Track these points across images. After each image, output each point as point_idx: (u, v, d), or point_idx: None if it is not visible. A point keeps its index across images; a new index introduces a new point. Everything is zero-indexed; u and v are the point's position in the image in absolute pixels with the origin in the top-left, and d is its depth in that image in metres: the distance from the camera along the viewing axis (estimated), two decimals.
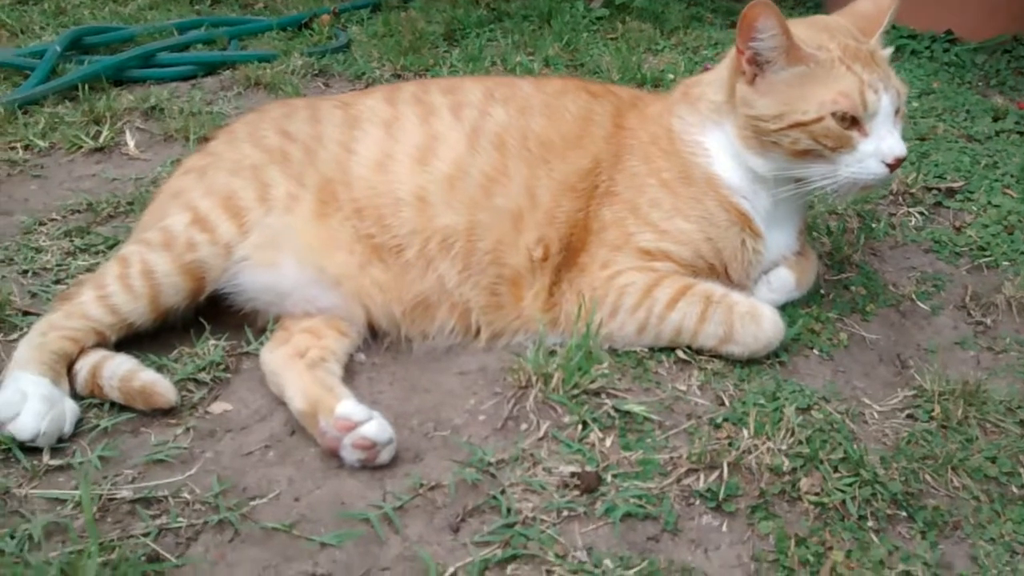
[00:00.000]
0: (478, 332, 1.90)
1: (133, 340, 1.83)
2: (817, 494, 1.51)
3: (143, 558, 1.38)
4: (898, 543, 1.46)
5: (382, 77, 3.56)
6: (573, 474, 1.53)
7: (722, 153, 1.90)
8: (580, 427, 1.64)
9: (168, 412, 1.69)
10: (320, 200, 1.89)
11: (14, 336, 1.88)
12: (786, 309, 1.96)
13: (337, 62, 3.68)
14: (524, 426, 1.67)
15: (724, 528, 1.47)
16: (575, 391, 1.71)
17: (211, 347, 1.86)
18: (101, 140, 2.85)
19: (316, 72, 3.61)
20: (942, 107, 3.24)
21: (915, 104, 3.26)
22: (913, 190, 2.61)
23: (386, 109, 2.01)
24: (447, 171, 1.90)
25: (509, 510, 1.47)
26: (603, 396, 1.72)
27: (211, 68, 3.59)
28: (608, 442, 1.62)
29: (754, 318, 1.79)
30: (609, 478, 1.53)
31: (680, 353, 1.84)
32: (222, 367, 1.82)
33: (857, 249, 2.27)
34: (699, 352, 1.84)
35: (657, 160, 1.93)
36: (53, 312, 1.80)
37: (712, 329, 1.80)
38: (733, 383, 1.78)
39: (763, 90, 1.80)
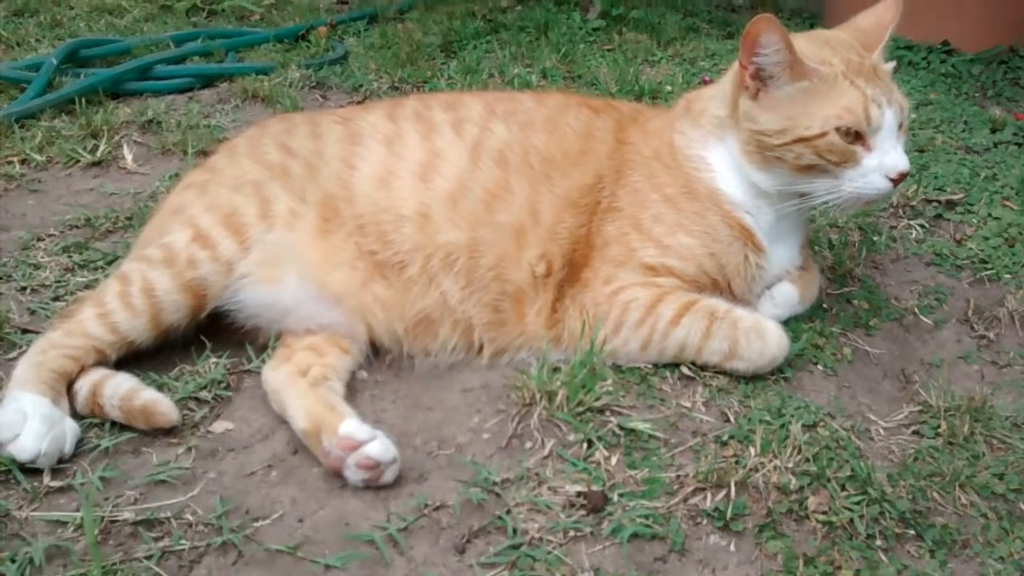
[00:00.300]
0: (481, 349, 1.89)
1: (133, 358, 1.82)
2: (825, 513, 1.50)
3: None
4: (907, 562, 1.45)
5: (380, 89, 3.56)
6: (579, 493, 1.52)
7: (725, 168, 1.90)
8: (585, 445, 1.63)
9: (170, 431, 1.68)
10: (322, 216, 1.89)
11: (13, 354, 1.87)
12: (789, 324, 1.95)
13: (334, 74, 3.68)
14: (529, 444, 1.66)
15: (732, 548, 1.46)
16: (579, 409, 1.70)
17: (212, 365, 1.85)
18: (99, 154, 2.84)
19: (313, 84, 3.60)
20: (940, 118, 3.24)
21: (913, 115, 3.26)
22: (913, 202, 2.61)
23: (388, 125, 2.00)
24: (449, 187, 1.90)
25: (515, 530, 1.46)
26: (607, 413, 1.71)
27: (208, 80, 3.58)
28: (613, 460, 1.61)
29: (759, 334, 1.78)
30: (615, 497, 1.52)
31: (684, 369, 1.83)
32: (223, 385, 1.81)
33: (859, 263, 2.27)
34: (703, 368, 1.83)
35: (660, 175, 1.93)
36: (53, 330, 1.78)
37: (716, 345, 1.79)
38: (738, 399, 1.77)
39: (766, 105, 1.80)
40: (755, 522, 1.49)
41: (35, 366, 1.70)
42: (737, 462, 1.58)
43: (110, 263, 2.22)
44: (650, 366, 1.85)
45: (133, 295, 1.79)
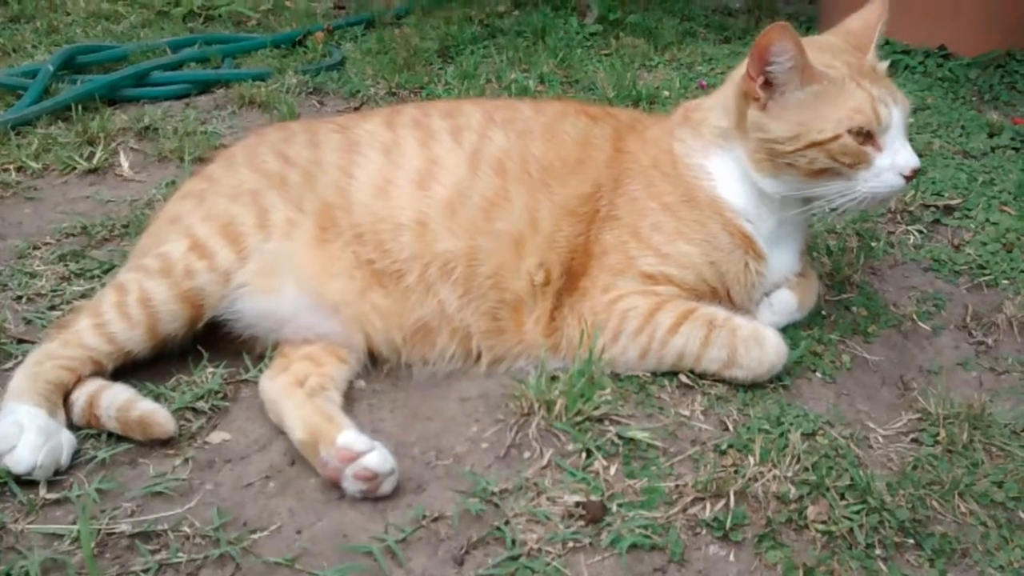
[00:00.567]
0: (479, 357, 1.89)
1: (130, 368, 1.81)
2: (824, 522, 1.49)
3: None
4: (907, 571, 1.44)
5: (377, 95, 3.55)
6: (578, 504, 1.52)
7: (726, 176, 1.90)
8: (584, 455, 1.63)
9: (167, 442, 1.67)
10: (319, 226, 1.88)
11: (9, 365, 1.86)
12: (788, 331, 1.95)
13: (331, 80, 3.68)
14: (527, 454, 1.65)
15: (731, 558, 1.45)
16: (578, 418, 1.70)
17: (209, 375, 1.84)
18: (95, 161, 2.83)
19: (310, 90, 3.60)
20: (937, 123, 3.24)
21: (910, 120, 3.25)
22: (911, 208, 2.61)
23: (385, 133, 2.00)
24: (447, 196, 1.89)
25: (514, 541, 1.45)
26: (606, 423, 1.70)
27: (205, 86, 3.58)
28: (612, 470, 1.61)
29: (758, 342, 1.78)
30: (614, 507, 1.52)
31: (683, 377, 1.83)
32: (220, 395, 1.80)
33: (857, 269, 2.27)
34: (702, 376, 1.83)
35: (658, 184, 1.92)
36: (49, 341, 1.78)
37: (715, 353, 1.78)
38: (737, 408, 1.76)
39: (775, 113, 1.80)
40: (754, 532, 1.49)
41: (31, 377, 1.69)
42: (736, 471, 1.58)
43: (106, 272, 2.21)
44: (648, 374, 1.84)
45: (130, 305, 1.78)
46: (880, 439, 1.73)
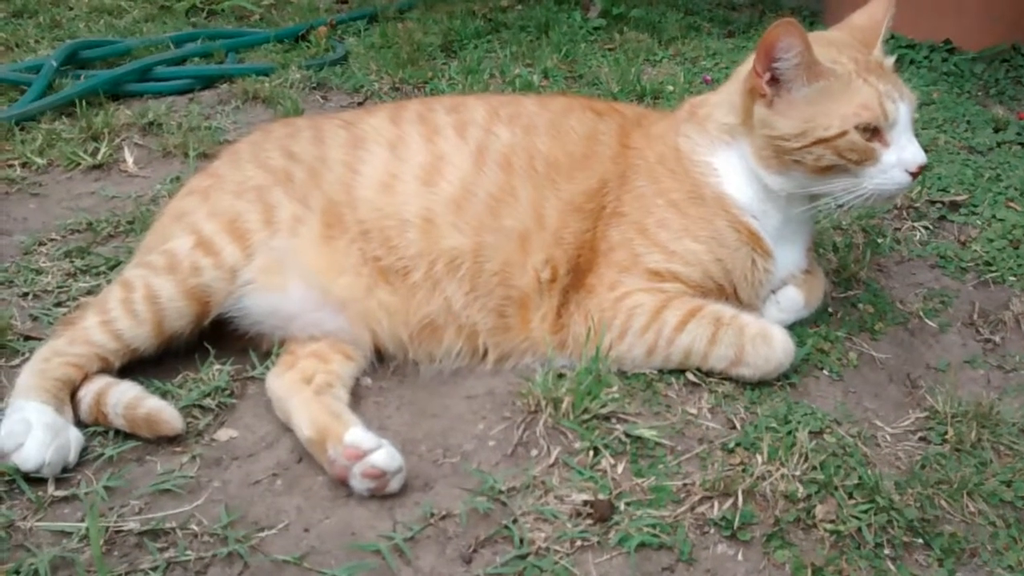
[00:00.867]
0: (485, 354, 1.89)
1: (137, 365, 1.81)
2: (833, 521, 1.49)
3: None
4: (916, 571, 1.44)
5: (380, 90, 3.54)
6: (586, 502, 1.52)
7: (732, 173, 1.89)
8: (591, 453, 1.63)
9: (174, 440, 1.67)
10: (325, 223, 1.88)
11: (16, 362, 1.87)
12: (794, 328, 1.95)
13: (335, 75, 3.66)
14: (534, 452, 1.65)
15: (740, 557, 1.45)
16: (585, 416, 1.69)
17: (216, 372, 1.84)
18: (99, 157, 2.83)
19: (314, 85, 3.59)
20: (942, 118, 3.24)
21: (915, 115, 3.25)
22: (917, 204, 2.61)
23: (390, 129, 1.99)
24: (453, 192, 1.89)
25: (522, 540, 1.45)
26: (613, 421, 1.70)
27: (208, 82, 3.56)
28: (620, 468, 1.60)
29: (765, 339, 1.78)
30: (622, 506, 1.52)
31: (690, 375, 1.83)
32: (227, 392, 1.80)
33: (863, 265, 2.26)
34: (709, 374, 1.83)
35: (664, 180, 1.92)
36: (56, 338, 1.77)
37: (722, 351, 1.78)
38: (744, 406, 1.76)
39: (782, 110, 1.79)
40: (763, 531, 1.49)
41: (38, 374, 1.69)
42: (744, 470, 1.58)
43: (112, 268, 2.21)
44: (655, 372, 1.84)
45: (136, 302, 1.78)
46: (888, 437, 1.73)
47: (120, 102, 3.30)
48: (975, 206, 2.61)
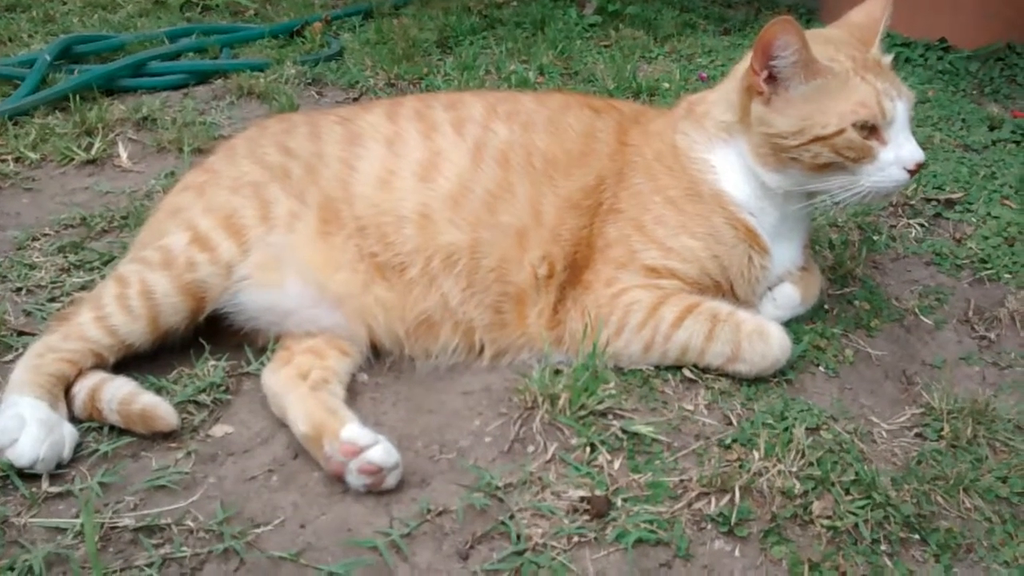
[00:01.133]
0: (481, 351, 1.89)
1: (131, 361, 1.80)
2: (829, 517, 1.49)
3: None
4: (912, 567, 1.44)
5: (376, 86, 3.54)
6: (583, 498, 1.51)
7: (729, 170, 1.89)
8: (588, 449, 1.63)
9: (169, 435, 1.67)
10: (322, 218, 1.87)
11: (9, 357, 1.86)
12: (791, 325, 1.95)
13: (330, 70, 3.65)
14: (531, 448, 1.65)
15: (737, 553, 1.45)
16: (582, 412, 1.69)
17: (211, 368, 1.83)
18: (93, 152, 2.82)
19: (309, 81, 3.57)
20: (938, 116, 3.24)
21: (913, 113, 3.26)
22: (913, 201, 2.61)
23: (387, 125, 1.98)
24: (450, 188, 1.88)
25: (519, 536, 1.45)
26: (610, 417, 1.70)
27: (203, 77, 3.55)
28: (616, 464, 1.60)
29: (761, 336, 1.78)
30: (619, 502, 1.51)
31: (686, 372, 1.83)
32: (222, 388, 1.80)
33: (859, 263, 2.26)
34: (705, 371, 1.82)
35: (662, 177, 1.92)
36: (50, 333, 1.77)
37: (719, 348, 1.78)
38: (740, 402, 1.76)
39: (780, 107, 1.79)
40: (760, 527, 1.49)
41: (32, 370, 1.68)
42: (741, 466, 1.58)
43: (106, 263, 2.20)
44: (652, 368, 1.84)
45: (131, 298, 1.77)
46: (884, 434, 1.73)
47: (114, 97, 3.29)
48: (970, 203, 2.62)
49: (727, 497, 1.52)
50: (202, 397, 1.76)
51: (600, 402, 1.70)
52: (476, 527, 1.48)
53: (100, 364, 1.76)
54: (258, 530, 1.47)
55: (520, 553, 1.43)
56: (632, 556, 1.43)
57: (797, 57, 1.76)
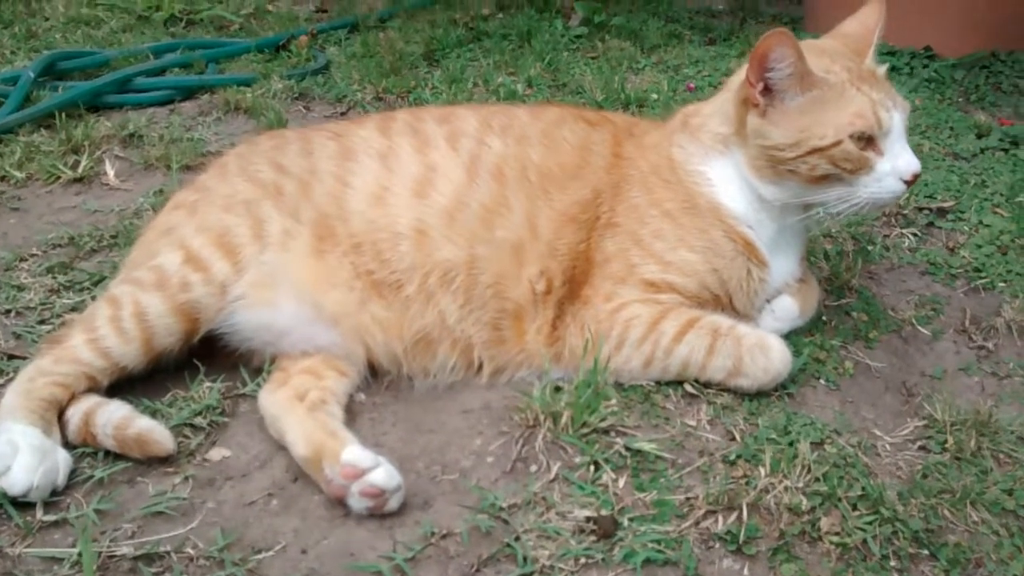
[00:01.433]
0: (480, 368, 1.86)
1: (124, 384, 1.77)
2: (838, 534, 1.48)
3: None
4: None
5: (364, 100, 3.52)
6: (588, 518, 1.49)
7: (726, 182, 1.88)
8: (592, 468, 1.61)
9: (165, 460, 1.64)
10: (317, 236, 1.85)
11: (0, 382, 1.82)
12: (790, 337, 1.94)
13: (317, 85, 3.64)
14: (534, 468, 1.63)
15: (746, 572, 1.43)
16: (584, 430, 1.67)
17: (206, 390, 1.81)
18: (80, 170, 2.79)
19: (296, 95, 3.56)
20: (926, 124, 3.24)
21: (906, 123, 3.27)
22: (905, 211, 2.61)
23: (380, 140, 1.97)
24: (446, 203, 1.87)
25: (525, 559, 1.43)
26: (612, 434, 1.68)
27: (189, 92, 3.53)
28: (621, 483, 1.58)
29: (763, 350, 1.77)
30: (625, 521, 1.49)
31: (688, 387, 1.81)
32: (218, 411, 1.77)
33: (855, 273, 2.25)
34: (707, 385, 1.81)
35: (659, 190, 1.90)
36: (41, 357, 1.74)
37: (720, 362, 1.77)
38: (743, 417, 1.75)
39: (776, 119, 1.78)
40: (768, 545, 1.47)
41: (24, 395, 1.65)
42: (747, 483, 1.56)
43: (97, 284, 2.17)
44: (653, 384, 1.82)
45: (124, 319, 1.75)
46: (887, 447, 1.72)
47: (99, 114, 3.27)
48: (962, 212, 2.62)
49: (734, 515, 1.51)
50: (198, 420, 1.74)
51: (603, 419, 1.69)
52: (482, 550, 1.45)
53: (93, 387, 1.73)
54: (259, 556, 1.45)
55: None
56: None
57: (793, 69, 1.75)
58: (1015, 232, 2.48)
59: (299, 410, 1.68)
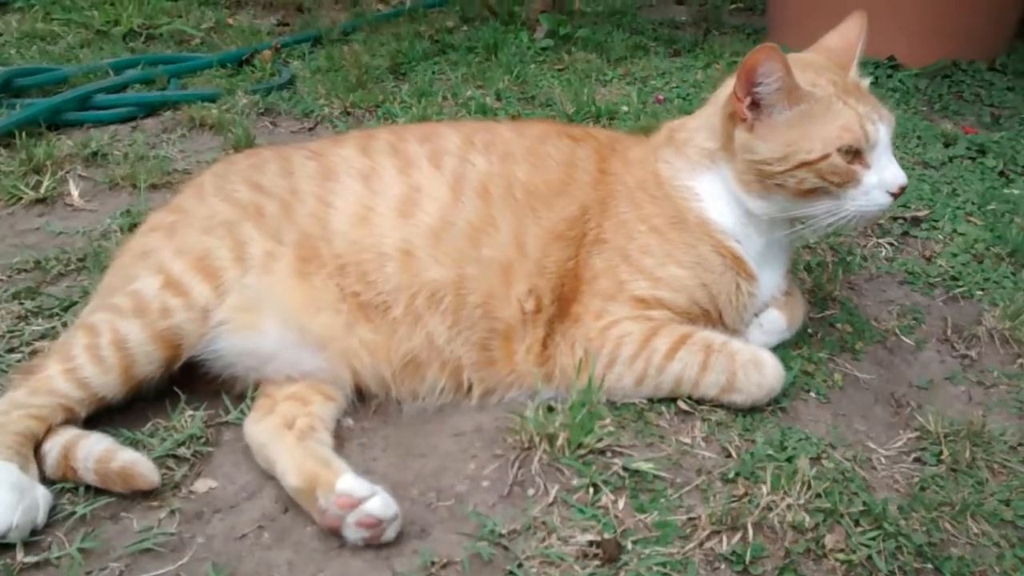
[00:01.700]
0: (470, 389, 1.83)
1: (103, 414, 1.71)
2: (843, 551, 1.47)
3: None
4: None
5: (331, 115, 3.47)
6: (591, 542, 1.47)
7: (714, 197, 1.87)
8: (590, 490, 1.58)
9: (149, 494, 1.58)
10: (300, 258, 1.80)
11: None
12: (778, 351, 1.92)
13: (283, 100, 3.58)
14: (531, 491, 1.60)
15: None
16: (581, 451, 1.65)
17: (188, 419, 1.75)
18: (42, 190, 2.70)
19: (262, 111, 3.49)
20: (894, 134, 3.26)
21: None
22: (881, 220, 2.62)
23: (362, 160, 1.93)
24: (431, 223, 1.83)
25: None
26: (609, 455, 1.66)
27: (151, 109, 3.45)
28: (621, 504, 1.56)
29: (757, 365, 1.76)
30: (629, 544, 1.47)
31: (681, 404, 1.79)
32: (202, 440, 1.71)
33: (836, 284, 2.26)
34: (699, 402, 1.79)
35: (646, 206, 1.89)
36: (14, 389, 1.67)
37: (714, 378, 1.75)
38: (738, 433, 1.73)
39: (763, 134, 1.77)
40: (774, 564, 1.45)
41: None
42: (750, 501, 1.54)
43: (66, 309, 2.10)
44: (645, 401, 1.80)
45: (103, 348, 1.69)
46: (883, 460, 1.72)
47: (59, 132, 3.18)
48: (936, 221, 2.64)
49: (738, 534, 1.49)
50: (181, 451, 1.68)
51: (599, 440, 1.66)
52: None
53: (71, 419, 1.67)
54: None
55: None
56: None
57: (781, 84, 1.75)
58: (989, 240, 2.51)
59: (288, 439, 1.63)
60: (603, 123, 3.35)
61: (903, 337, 2.13)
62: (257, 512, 1.57)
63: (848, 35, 1.96)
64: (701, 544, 1.48)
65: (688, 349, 1.76)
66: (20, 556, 1.44)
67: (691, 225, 1.87)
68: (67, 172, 2.86)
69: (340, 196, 1.87)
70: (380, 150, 1.95)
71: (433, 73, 3.96)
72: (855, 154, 1.76)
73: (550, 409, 1.74)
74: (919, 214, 2.67)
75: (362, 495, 1.47)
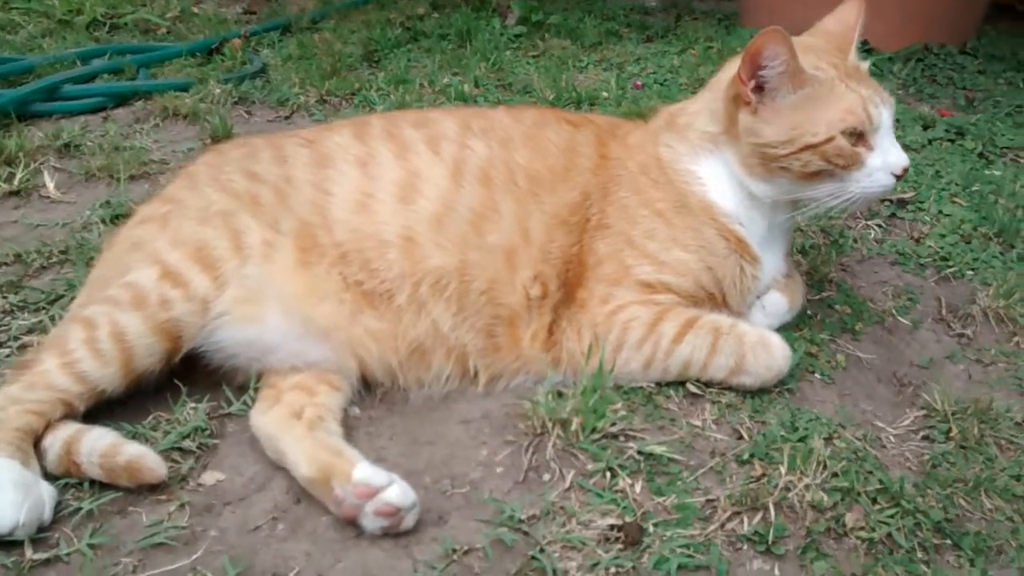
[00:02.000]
0: (475, 376, 1.81)
1: (102, 408, 1.66)
2: (863, 528, 1.47)
3: None
4: (950, 573, 1.43)
5: (307, 103, 3.42)
6: (612, 526, 1.46)
7: (717, 181, 1.87)
8: (607, 474, 1.57)
9: (155, 488, 1.54)
10: (300, 247, 1.77)
11: None
12: (781, 333, 1.91)
13: (256, 88, 3.51)
14: (547, 476, 1.59)
15: (777, 572, 1.41)
16: (595, 435, 1.64)
17: (191, 411, 1.71)
18: (16, 183, 2.63)
19: (236, 100, 3.43)
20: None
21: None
22: None
23: (357, 146, 1.89)
24: (433, 209, 1.81)
25: (554, 571, 1.38)
26: (623, 439, 1.65)
27: (122, 99, 3.37)
28: (638, 488, 1.55)
29: (765, 347, 1.76)
30: (650, 527, 1.46)
31: (690, 387, 1.79)
32: (207, 432, 1.67)
33: (830, 266, 2.27)
34: (707, 385, 1.79)
35: (648, 190, 1.88)
36: (9, 384, 1.62)
37: (723, 361, 1.75)
38: (748, 415, 1.73)
39: (768, 117, 1.77)
40: (796, 543, 1.46)
41: None
42: (768, 482, 1.54)
43: (52, 302, 2.04)
44: (653, 385, 1.80)
45: (101, 340, 1.64)
46: (892, 438, 1.73)
47: (27, 123, 3.08)
48: (921, 203, 2.67)
49: (759, 515, 1.49)
50: (187, 443, 1.64)
51: (612, 424, 1.65)
52: (507, 564, 1.40)
53: (69, 414, 1.62)
54: None
55: None
56: None
57: (785, 67, 1.74)
58: (975, 221, 2.54)
59: (298, 429, 1.60)
60: (584, 109, 3.34)
61: (900, 317, 2.15)
62: (269, 503, 1.53)
63: (846, 19, 1.97)
64: (723, 525, 1.48)
65: (696, 332, 1.76)
66: (29, 553, 1.39)
67: (694, 209, 1.86)
68: (40, 164, 2.78)
69: (338, 183, 1.84)
70: (375, 136, 1.92)
71: (408, 60, 3.92)
72: (859, 136, 1.76)
73: (560, 394, 1.72)
74: (905, 196, 2.69)
75: (380, 484, 1.44)
